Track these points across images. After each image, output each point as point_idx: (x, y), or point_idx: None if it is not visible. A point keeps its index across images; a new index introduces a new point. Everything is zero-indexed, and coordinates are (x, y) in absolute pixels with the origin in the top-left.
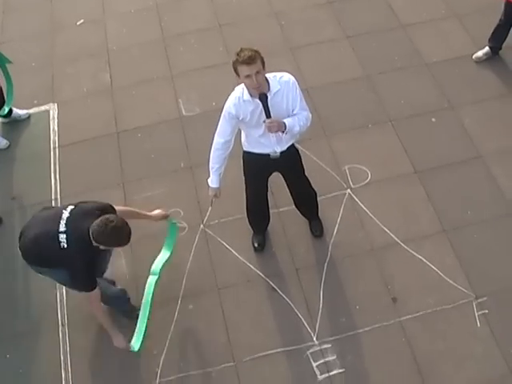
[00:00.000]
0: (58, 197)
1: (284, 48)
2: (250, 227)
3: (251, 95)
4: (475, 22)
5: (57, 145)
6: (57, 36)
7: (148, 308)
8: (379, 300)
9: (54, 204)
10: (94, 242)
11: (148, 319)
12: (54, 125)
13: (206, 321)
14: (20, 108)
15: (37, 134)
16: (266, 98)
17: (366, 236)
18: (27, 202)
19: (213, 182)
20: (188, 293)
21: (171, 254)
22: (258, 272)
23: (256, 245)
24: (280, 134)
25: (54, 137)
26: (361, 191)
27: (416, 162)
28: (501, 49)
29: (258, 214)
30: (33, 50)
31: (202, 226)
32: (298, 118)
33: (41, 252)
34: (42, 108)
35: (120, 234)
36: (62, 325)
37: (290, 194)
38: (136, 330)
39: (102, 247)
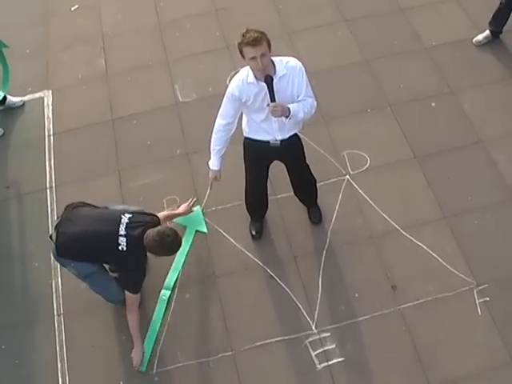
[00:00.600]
0: (53, 185)
1: (281, 32)
2: (247, 214)
3: (256, 78)
4: (475, 5)
5: (51, 132)
6: (51, 22)
7: (158, 326)
8: (379, 288)
9: (49, 192)
10: (146, 249)
11: (156, 338)
12: (48, 112)
13: (203, 310)
14: (14, 95)
15: (31, 122)
16: (272, 80)
17: (365, 223)
18: (22, 191)
19: (213, 164)
20: (185, 281)
21: (185, 261)
22: (256, 260)
23: (253, 232)
24: (284, 119)
25: (48, 124)
26: (360, 177)
27: (416, 147)
28: (501, 32)
29: (257, 201)
30: (27, 37)
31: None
32: (302, 105)
33: (93, 247)
34: (37, 95)
35: (174, 247)
36: (58, 315)
37: (289, 181)
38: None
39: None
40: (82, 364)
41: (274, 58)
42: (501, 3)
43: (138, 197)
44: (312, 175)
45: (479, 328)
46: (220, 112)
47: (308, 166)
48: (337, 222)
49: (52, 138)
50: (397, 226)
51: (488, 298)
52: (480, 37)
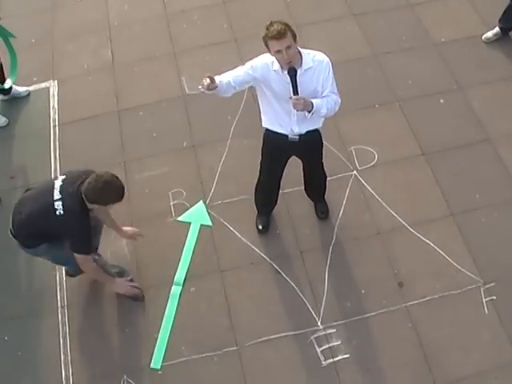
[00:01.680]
0: (58, 175)
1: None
2: (254, 207)
3: (281, 67)
4: (485, 1)
5: (57, 123)
6: (57, 12)
7: (171, 323)
8: (385, 284)
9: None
10: (88, 203)
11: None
12: (53, 102)
13: (208, 304)
14: (19, 85)
15: (36, 112)
16: (295, 73)
17: (372, 218)
18: (26, 181)
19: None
20: (190, 275)
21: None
22: (262, 254)
23: (260, 227)
24: (306, 113)
25: (53, 114)
26: (367, 173)
27: (423, 143)
28: (511, 30)
29: (267, 195)
30: (32, 26)
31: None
32: (326, 100)
33: (37, 226)
34: (42, 85)
35: (112, 187)
36: (62, 307)
37: (298, 175)
38: (157, 344)
39: (96, 207)
40: (86, 356)
41: (302, 50)
42: (511, 0)
43: (143, 189)
44: (324, 172)
45: (486, 326)
46: (236, 70)
47: (323, 163)
48: (344, 218)
49: (57, 128)
50: (404, 223)
51: (495, 297)
52: (489, 34)
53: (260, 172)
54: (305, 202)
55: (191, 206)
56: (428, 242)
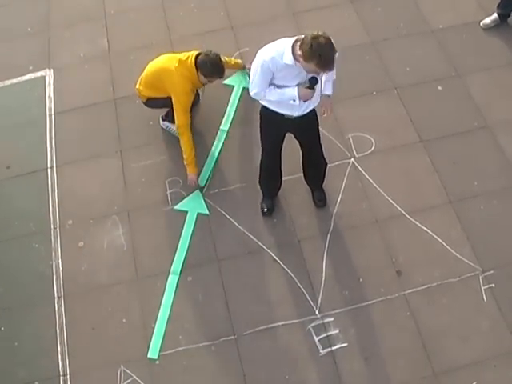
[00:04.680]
0: (54, 165)
1: (286, 13)
2: (256, 193)
3: (295, 58)
4: None
5: (53, 112)
6: (53, 0)
7: (168, 312)
8: (383, 273)
9: (49, 173)
10: None
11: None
12: (49, 91)
13: (205, 293)
14: (16, 75)
15: (32, 101)
16: (317, 82)
17: (370, 206)
18: (22, 171)
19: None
20: (187, 264)
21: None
22: (259, 243)
23: (265, 209)
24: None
25: (49, 103)
26: (365, 160)
27: (421, 130)
28: (509, 16)
29: (271, 175)
30: (28, 15)
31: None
32: (333, 83)
33: None
34: (38, 74)
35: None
36: (58, 297)
37: (298, 160)
38: (154, 334)
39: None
40: (83, 347)
41: None
42: None
43: (140, 177)
44: (324, 158)
45: (484, 315)
46: (253, 82)
47: (321, 146)
48: (341, 206)
49: (53, 117)
50: (402, 211)
51: (493, 285)
52: (488, 20)
53: (262, 151)
54: (302, 190)
55: (188, 195)
56: (426, 229)
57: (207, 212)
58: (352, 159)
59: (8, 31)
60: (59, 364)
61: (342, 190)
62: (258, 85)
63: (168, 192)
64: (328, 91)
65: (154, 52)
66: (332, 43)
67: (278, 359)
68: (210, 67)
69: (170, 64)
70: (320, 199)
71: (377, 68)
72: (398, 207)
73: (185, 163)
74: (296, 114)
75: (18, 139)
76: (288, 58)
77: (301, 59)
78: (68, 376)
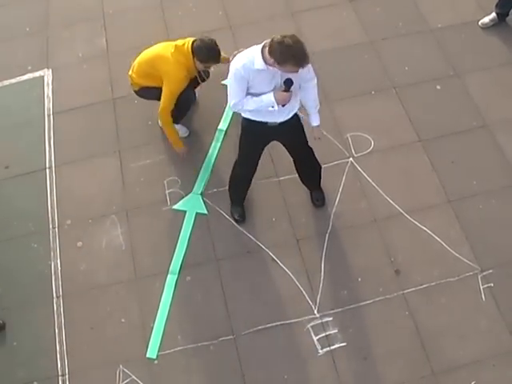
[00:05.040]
0: (53, 165)
1: (285, 12)
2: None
3: (266, 62)
4: None
5: (51, 112)
6: (51, 0)
7: (167, 311)
8: (382, 272)
9: (48, 173)
10: None
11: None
12: (48, 91)
13: (204, 293)
14: (14, 74)
15: (31, 101)
16: (292, 84)
17: (368, 206)
18: (21, 171)
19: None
20: (186, 264)
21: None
22: (258, 242)
23: (237, 217)
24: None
25: (48, 103)
26: (363, 160)
27: (420, 130)
28: (508, 15)
29: (245, 183)
30: (27, 15)
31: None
32: (315, 92)
33: None
34: (37, 74)
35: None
36: (57, 297)
37: (294, 166)
38: (153, 333)
39: None
40: (81, 346)
41: None
42: None
43: (138, 177)
44: (316, 160)
45: (483, 314)
46: (230, 93)
47: (311, 148)
48: (340, 205)
49: (52, 117)
50: (401, 210)
51: (492, 284)
52: (486, 19)
53: (238, 160)
54: (301, 189)
55: (186, 195)
56: (425, 229)
57: (206, 212)
58: (351, 159)
59: (6, 31)
60: (58, 364)
61: (340, 189)
62: (235, 94)
63: (167, 192)
64: (315, 122)
65: None
66: (297, 39)
67: (276, 359)
68: (206, 52)
69: (165, 51)
70: (318, 199)
71: (375, 67)
72: (397, 206)
73: (170, 142)
74: (280, 119)
75: (16, 139)
76: (259, 63)
77: (276, 65)
78: (67, 376)
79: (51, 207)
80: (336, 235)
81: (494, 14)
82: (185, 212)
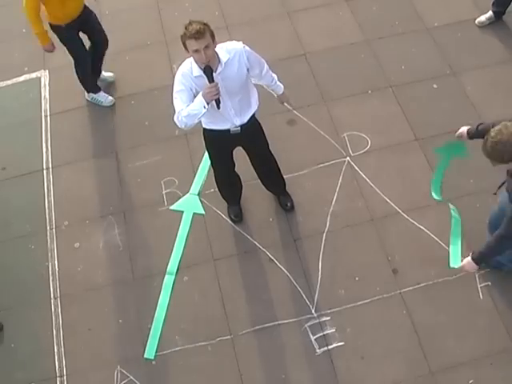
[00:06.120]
0: (50, 166)
1: (281, 12)
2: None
3: (201, 69)
4: None
5: (48, 113)
6: None
7: (165, 312)
8: (379, 271)
9: (45, 174)
10: None
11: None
12: (45, 92)
13: (201, 293)
14: (9, 76)
15: (28, 102)
16: (212, 71)
17: (365, 205)
18: (18, 172)
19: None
20: (183, 264)
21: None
22: (255, 242)
23: (233, 216)
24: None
25: (45, 105)
26: (360, 159)
27: (417, 129)
28: (504, 13)
29: (229, 187)
30: (23, 16)
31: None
32: (273, 78)
33: None
34: (33, 75)
35: None
36: (55, 298)
37: (255, 171)
38: (150, 334)
39: None
40: (79, 347)
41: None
42: None
43: (135, 178)
44: (277, 164)
45: (480, 313)
46: (176, 105)
47: (272, 153)
48: (337, 205)
49: (49, 118)
50: (398, 209)
51: (490, 283)
52: (483, 18)
53: (213, 168)
54: (298, 189)
55: (183, 195)
56: (422, 227)
57: (203, 212)
58: (347, 158)
59: (3, 32)
60: (56, 365)
61: (337, 188)
62: (177, 105)
63: (164, 192)
64: (280, 90)
65: (149, 52)
66: (194, 20)
67: (274, 358)
68: None
69: None
70: (286, 203)
71: (372, 66)
72: (394, 206)
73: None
74: (239, 122)
75: (13, 140)
76: (196, 70)
77: (188, 55)
78: (65, 377)
79: (48, 208)
80: (333, 235)
81: (490, 13)
82: (182, 212)
